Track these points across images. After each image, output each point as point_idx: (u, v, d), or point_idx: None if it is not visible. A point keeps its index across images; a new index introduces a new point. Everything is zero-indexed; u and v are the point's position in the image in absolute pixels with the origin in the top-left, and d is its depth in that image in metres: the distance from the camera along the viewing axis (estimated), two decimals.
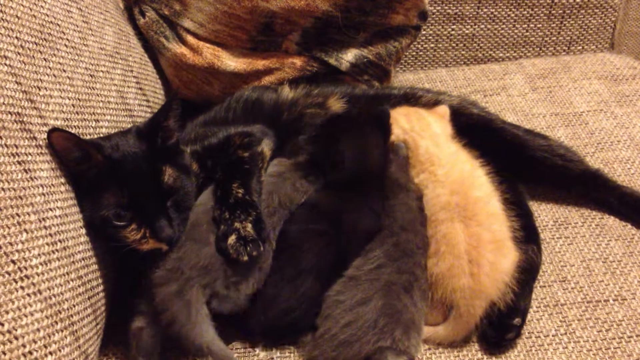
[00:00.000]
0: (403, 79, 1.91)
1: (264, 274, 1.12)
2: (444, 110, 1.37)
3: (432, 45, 1.99)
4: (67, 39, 1.15)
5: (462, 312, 1.10)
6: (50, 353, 0.86)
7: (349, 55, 1.61)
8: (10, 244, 0.84)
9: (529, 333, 1.14)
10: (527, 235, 1.22)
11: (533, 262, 1.22)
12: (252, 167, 1.23)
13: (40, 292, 0.87)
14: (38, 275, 0.88)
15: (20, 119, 0.94)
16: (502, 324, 1.11)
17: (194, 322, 1.04)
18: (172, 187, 1.08)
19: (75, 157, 1.02)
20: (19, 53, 0.99)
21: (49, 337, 0.87)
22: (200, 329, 1.05)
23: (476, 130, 1.36)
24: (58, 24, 1.13)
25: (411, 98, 1.47)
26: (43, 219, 0.92)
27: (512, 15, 1.95)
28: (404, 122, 1.32)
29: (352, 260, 1.14)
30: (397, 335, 1.05)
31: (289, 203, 1.20)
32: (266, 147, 1.30)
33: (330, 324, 1.06)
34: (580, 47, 2.01)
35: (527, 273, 1.17)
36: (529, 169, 1.39)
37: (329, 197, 1.22)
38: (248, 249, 1.06)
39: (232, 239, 1.07)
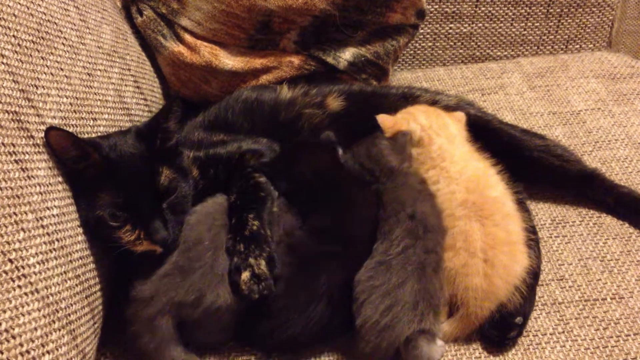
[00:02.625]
0: (401, 77, 1.91)
1: (235, 317, 1.11)
2: (461, 115, 1.37)
3: (430, 43, 1.99)
4: (65, 38, 1.15)
5: (470, 311, 1.10)
6: (48, 352, 0.86)
7: (347, 54, 1.61)
8: (8, 243, 0.84)
9: (526, 332, 1.14)
10: (530, 238, 1.22)
11: (537, 265, 1.21)
12: (266, 195, 1.22)
13: (37, 291, 0.87)
14: (35, 274, 0.88)
15: (18, 118, 0.94)
16: (504, 323, 1.11)
17: (159, 344, 1.06)
18: (169, 189, 1.07)
19: (72, 156, 1.01)
20: (16, 52, 0.98)
21: (47, 336, 0.87)
22: (164, 351, 1.06)
23: (473, 130, 1.36)
24: (55, 23, 1.13)
25: (409, 98, 1.47)
26: (40, 217, 0.92)
27: (510, 13, 1.95)
28: (423, 119, 1.32)
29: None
30: (431, 319, 1.06)
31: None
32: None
33: (370, 311, 1.06)
34: (577, 46, 2.01)
35: (533, 276, 1.17)
36: (526, 169, 1.38)
37: (323, 217, 1.21)
38: (261, 287, 1.06)
39: (245, 276, 1.07)
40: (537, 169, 1.40)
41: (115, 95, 1.28)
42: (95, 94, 1.19)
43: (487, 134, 1.39)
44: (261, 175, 1.25)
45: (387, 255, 1.11)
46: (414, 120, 1.32)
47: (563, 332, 1.13)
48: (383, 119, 1.34)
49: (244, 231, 1.12)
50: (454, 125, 1.33)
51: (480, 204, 1.17)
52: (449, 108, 1.42)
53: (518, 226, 1.18)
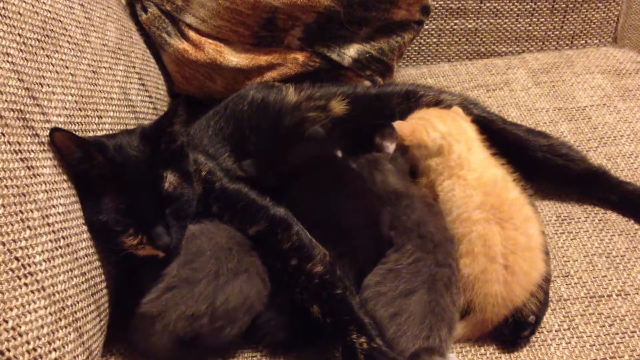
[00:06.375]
0: (406, 74, 1.91)
1: (251, 314, 1.10)
2: (460, 111, 1.37)
3: (434, 40, 1.98)
4: (70, 36, 1.15)
5: (487, 317, 1.09)
6: (54, 349, 0.86)
7: (352, 51, 1.60)
8: (14, 240, 0.84)
9: None
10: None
11: (549, 269, 1.21)
12: (342, 287, 1.08)
13: (44, 288, 0.87)
14: (42, 272, 0.88)
15: (23, 116, 0.94)
16: (517, 322, 1.10)
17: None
18: (172, 195, 1.06)
19: (77, 157, 1.01)
20: (21, 50, 0.99)
21: (53, 333, 0.87)
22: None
23: (479, 131, 1.35)
24: (60, 21, 1.13)
25: (412, 97, 1.46)
26: (46, 215, 0.92)
27: (515, 9, 1.94)
28: (441, 125, 1.30)
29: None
30: (443, 335, 1.04)
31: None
32: None
33: (376, 319, 1.05)
34: (583, 42, 2.00)
35: (547, 281, 1.16)
36: (531, 168, 1.38)
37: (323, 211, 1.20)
38: None
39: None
40: (542, 168, 1.40)
41: (120, 93, 1.28)
42: (100, 91, 1.19)
43: (491, 134, 1.38)
44: (312, 261, 1.10)
45: (398, 264, 1.10)
46: (431, 127, 1.29)
47: (568, 328, 1.13)
48: (401, 127, 1.31)
49: (357, 358, 1.03)
50: (470, 127, 1.32)
51: (499, 206, 1.15)
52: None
53: (537, 230, 1.16)
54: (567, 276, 1.23)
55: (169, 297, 1.04)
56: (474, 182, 1.21)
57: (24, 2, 1.04)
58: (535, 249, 1.14)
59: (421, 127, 1.30)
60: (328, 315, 1.07)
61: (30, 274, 0.86)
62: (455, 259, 1.13)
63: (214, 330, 1.06)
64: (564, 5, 1.94)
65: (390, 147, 1.34)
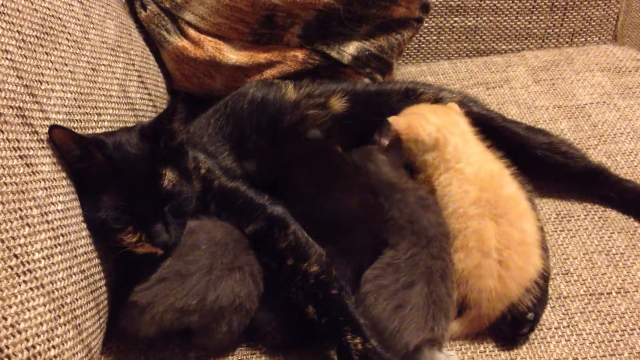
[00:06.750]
0: (405, 71, 1.90)
1: (246, 315, 1.10)
2: (456, 106, 1.36)
3: (434, 37, 1.98)
4: (69, 33, 1.15)
5: (482, 313, 1.09)
6: (54, 347, 0.86)
7: (351, 48, 1.60)
8: (13, 238, 0.84)
9: None
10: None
11: (547, 266, 1.20)
12: (338, 288, 1.08)
13: (43, 286, 0.87)
14: (41, 269, 0.88)
15: (22, 114, 0.94)
16: (515, 319, 1.10)
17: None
18: (171, 192, 1.06)
19: (75, 154, 1.01)
20: (20, 47, 0.98)
21: (52, 331, 0.87)
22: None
23: (476, 128, 1.35)
24: (59, 18, 1.13)
25: (412, 95, 1.46)
26: (45, 213, 0.92)
27: (515, 7, 1.94)
28: (435, 118, 1.30)
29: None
30: (443, 325, 1.05)
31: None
32: None
33: (377, 312, 1.05)
34: (583, 39, 2.00)
35: (544, 278, 1.16)
36: (531, 166, 1.38)
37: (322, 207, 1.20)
38: None
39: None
40: (541, 166, 1.40)
41: (120, 91, 1.28)
42: (100, 89, 1.19)
43: (490, 131, 1.38)
44: (308, 261, 1.09)
45: (396, 259, 1.11)
46: (426, 121, 1.29)
47: (568, 326, 1.13)
48: (396, 122, 1.31)
49: (351, 358, 1.03)
50: (463, 120, 1.32)
51: (494, 202, 1.16)
52: None
53: (533, 226, 1.16)
54: (567, 274, 1.23)
55: (160, 289, 1.05)
56: (471, 177, 1.21)
57: None
58: (531, 245, 1.14)
59: (417, 121, 1.30)
60: (323, 315, 1.06)
61: (29, 271, 0.86)
62: (450, 253, 1.14)
63: (203, 326, 1.06)
64: (563, 3, 1.94)
65: (386, 142, 1.34)
